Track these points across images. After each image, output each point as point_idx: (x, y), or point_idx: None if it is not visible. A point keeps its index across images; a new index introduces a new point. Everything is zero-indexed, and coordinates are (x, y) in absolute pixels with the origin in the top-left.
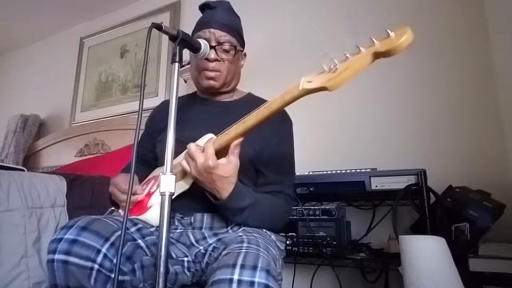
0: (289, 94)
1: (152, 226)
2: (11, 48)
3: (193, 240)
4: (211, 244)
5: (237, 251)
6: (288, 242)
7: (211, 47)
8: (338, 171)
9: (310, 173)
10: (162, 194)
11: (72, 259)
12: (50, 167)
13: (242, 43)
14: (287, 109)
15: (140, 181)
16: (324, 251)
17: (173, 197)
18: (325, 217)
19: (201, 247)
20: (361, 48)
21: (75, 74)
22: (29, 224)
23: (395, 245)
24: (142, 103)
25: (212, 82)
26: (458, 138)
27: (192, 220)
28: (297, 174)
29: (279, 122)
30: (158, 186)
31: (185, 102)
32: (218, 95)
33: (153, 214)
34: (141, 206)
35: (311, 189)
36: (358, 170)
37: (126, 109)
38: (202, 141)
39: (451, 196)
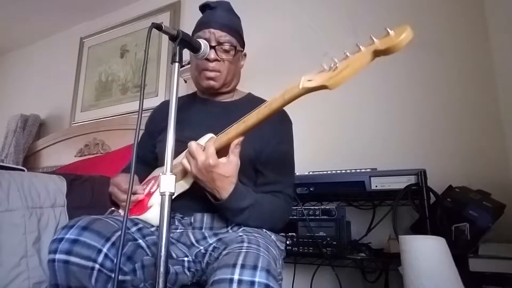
0: (289, 93)
1: (153, 226)
2: (11, 48)
3: (193, 240)
4: (211, 244)
5: (238, 251)
6: (288, 242)
7: (211, 47)
8: (338, 171)
9: (310, 173)
10: (162, 194)
11: (73, 259)
12: (50, 167)
13: (242, 43)
14: (287, 109)
15: (140, 181)
16: (324, 251)
17: (173, 197)
18: (325, 217)
19: (201, 247)
20: (361, 46)
21: (75, 74)
22: (29, 224)
23: (395, 245)
24: (142, 103)
25: (212, 82)
26: (458, 138)
27: (192, 220)
28: (297, 174)
29: (279, 122)
30: (158, 186)
31: (185, 102)
32: (218, 95)
33: (153, 214)
34: (141, 206)
35: (311, 189)
36: (358, 170)
37: (126, 109)
38: (202, 141)
39: (451, 196)
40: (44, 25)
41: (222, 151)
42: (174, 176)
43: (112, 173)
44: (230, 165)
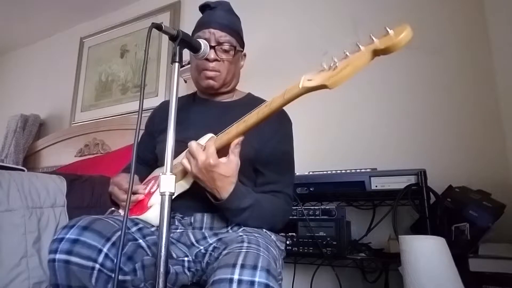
0: (289, 93)
1: (153, 226)
2: (11, 48)
3: (193, 240)
4: (211, 244)
5: (238, 250)
6: (288, 242)
7: (211, 47)
8: (338, 171)
9: (310, 173)
10: (162, 194)
11: (73, 258)
12: (50, 167)
13: (241, 44)
14: (287, 109)
15: (141, 181)
16: (324, 251)
17: (173, 197)
18: (325, 217)
19: (202, 247)
20: (360, 46)
21: (75, 74)
22: (29, 224)
23: (395, 245)
24: (142, 103)
25: (211, 82)
26: (458, 138)
27: (192, 220)
28: (297, 174)
29: (279, 122)
30: (158, 186)
31: (185, 103)
32: (218, 95)
33: (153, 214)
34: (141, 206)
35: (311, 189)
36: (358, 170)
37: (126, 109)
38: (202, 141)
39: (451, 196)
40: (44, 25)
41: (222, 151)
42: (174, 176)
43: (112, 173)
44: (230, 165)
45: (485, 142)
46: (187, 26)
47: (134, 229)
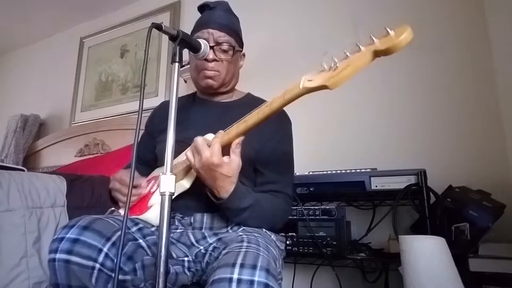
0: (290, 93)
1: (153, 226)
2: (11, 48)
3: (193, 240)
4: (211, 243)
5: (237, 250)
6: (288, 242)
7: (210, 47)
8: (338, 171)
9: (310, 173)
10: (162, 194)
11: (73, 258)
12: (50, 167)
13: (240, 44)
14: (287, 109)
15: None
16: (324, 251)
17: (173, 197)
18: (325, 217)
19: (201, 247)
20: (361, 46)
21: (75, 74)
22: (29, 224)
23: (395, 245)
24: (142, 103)
25: (210, 82)
26: (458, 138)
27: (192, 220)
28: (297, 174)
29: (278, 122)
30: (158, 186)
31: (184, 103)
32: (217, 95)
33: (153, 214)
34: (141, 205)
35: (311, 189)
36: (358, 170)
37: (126, 109)
38: (208, 137)
39: (451, 196)
40: (44, 25)
41: (222, 151)
42: (174, 176)
43: (112, 173)
44: (232, 165)
45: (485, 142)
46: (187, 26)
47: (134, 229)
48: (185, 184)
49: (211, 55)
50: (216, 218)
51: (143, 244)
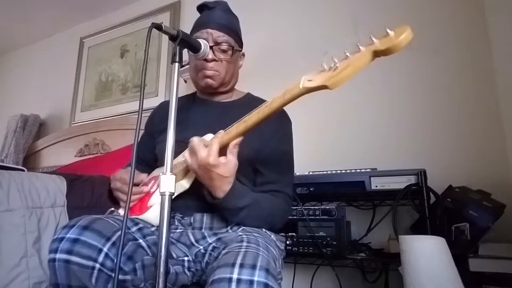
0: (290, 93)
1: (153, 226)
2: (11, 48)
3: (193, 240)
4: (211, 243)
5: (237, 250)
6: (288, 242)
7: (209, 47)
8: (338, 171)
9: (310, 173)
10: (162, 194)
11: (73, 258)
12: (50, 167)
13: (240, 43)
14: (287, 109)
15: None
16: (324, 251)
17: (173, 197)
18: (325, 217)
19: (201, 247)
20: (360, 46)
21: (75, 74)
22: (29, 224)
23: (395, 245)
24: (142, 103)
25: (210, 81)
26: (458, 138)
27: (192, 220)
28: (297, 174)
29: (278, 122)
30: (158, 186)
31: (184, 103)
32: (217, 95)
33: (153, 214)
34: (141, 205)
35: (311, 189)
36: (358, 170)
37: (126, 109)
38: (207, 137)
39: (451, 196)
40: (44, 25)
41: (221, 151)
42: (174, 176)
43: (112, 173)
44: (229, 165)
45: (485, 142)
46: (187, 26)
47: (134, 229)
48: (185, 184)
49: (210, 55)
50: (216, 218)
51: (143, 244)
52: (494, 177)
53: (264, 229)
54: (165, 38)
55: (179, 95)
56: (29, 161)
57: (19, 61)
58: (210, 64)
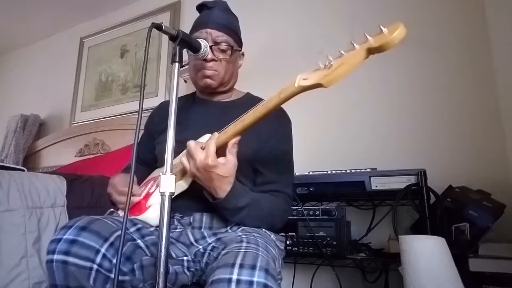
0: (285, 92)
1: (152, 226)
2: (11, 48)
3: (192, 240)
4: (210, 243)
5: (236, 250)
6: (288, 242)
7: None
8: (338, 171)
9: (310, 173)
10: (162, 194)
11: (71, 259)
12: (50, 167)
13: (239, 43)
14: (287, 108)
15: (140, 181)
16: (324, 251)
17: (173, 197)
18: (325, 217)
19: (200, 247)
20: (355, 44)
21: (75, 74)
22: (29, 224)
23: (395, 245)
24: (142, 103)
25: (209, 81)
26: (458, 138)
27: (192, 220)
28: (297, 174)
29: (277, 121)
30: (157, 186)
31: (184, 103)
32: (216, 95)
33: (152, 214)
34: (140, 206)
35: (311, 189)
36: (358, 170)
37: (126, 109)
38: (202, 140)
39: (451, 196)
40: (44, 25)
41: (220, 151)
42: (174, 176)
43: (112, 173)
44: (228, 165)
45: (485, 142)
46: (187, 26)
47: (132, 229)
48: (184, 184)
49: (209, 55)
50: (215, 218)
51: (142, 244)
52: (494, 177)
53: (264, 229)
54: (165, 38)
55: (179, 95)
56: (29, 161)
57: (19, 61)
58: (209, 64)
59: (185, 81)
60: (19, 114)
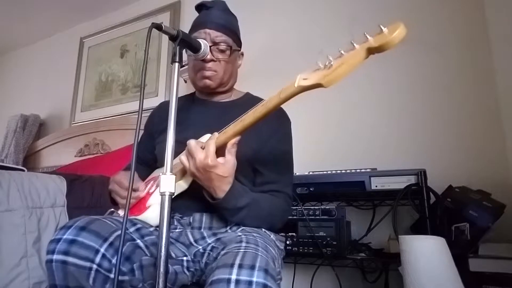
0: (285, 92)
1: (151, 226)
2: (11, 48)
3: (192, 240)
4: (210, 243)
5: (236, 250)
6: (288, 242)
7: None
8: (338, 171)
9: (310, 173)
10: (162, 194)
11: (70, 259)
12: (50, 167)
13: (238, 43)
14: (287, 108)
15: (141, 180)
16: (324, 251)
17: (172, 197)
18: (325, 217)
19: (200, 247)
20: (355, 44)
21: (75, 74)
22: (29, 224)
23: (395, 245)
24: (142, 103)
25: (208, 82)
26: (458, 138)
27: (191, 220)
28: (297, 174)
29: (277, 121)
30: (157, 186)
31: (184, 103)
32: (216, 95)
33: (152, 214)
34: (140, 206)
35: (311, 189)
36: (358, 170)
37: (126, 109)
38: (203, 139)
39: (451, 196)
40: (44, 25)
41: (219, 151)
42: (174, 176)
43: (112, 173)
44: (227, 165)
45: (485, 142)
46: (187, 26)
47: (132, 229)
48: (184, 184)
49: (208, 55)
50: (215, 218)
51: (141, 244)
52: (494, 177)
53: (263, 229)
54: (165, 38)
55: (179, 95)
56: (29, 161)
57: (19, 61)
58: (208, 65)
59: (185, 81)
60: (19, 114)
